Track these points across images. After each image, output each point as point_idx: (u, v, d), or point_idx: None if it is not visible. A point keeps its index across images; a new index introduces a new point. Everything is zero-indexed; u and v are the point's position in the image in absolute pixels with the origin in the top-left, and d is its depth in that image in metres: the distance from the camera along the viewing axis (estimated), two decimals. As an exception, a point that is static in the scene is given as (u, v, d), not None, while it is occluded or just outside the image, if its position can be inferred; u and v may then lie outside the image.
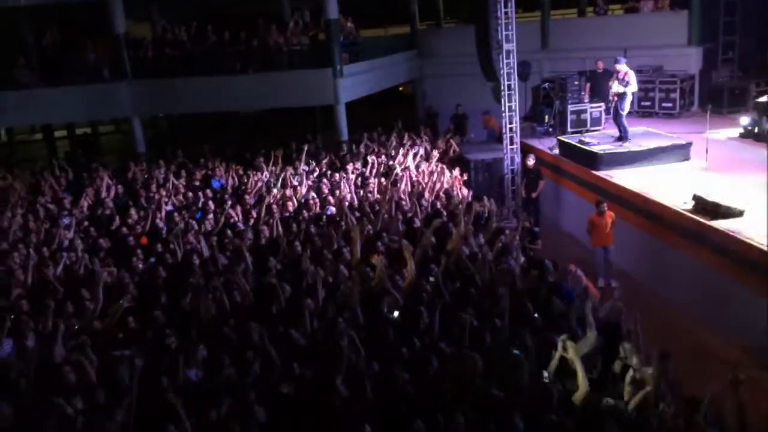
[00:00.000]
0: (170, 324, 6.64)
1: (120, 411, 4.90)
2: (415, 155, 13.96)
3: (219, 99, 16.58)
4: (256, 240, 9.58)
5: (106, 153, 22.00)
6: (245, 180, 12.96)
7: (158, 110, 19.88)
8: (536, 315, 6.59)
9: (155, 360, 5.80)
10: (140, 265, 8.82)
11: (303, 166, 13.71)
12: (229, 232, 9.89)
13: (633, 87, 12.89)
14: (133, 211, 11.05)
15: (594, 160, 12.58)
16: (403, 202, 10.87)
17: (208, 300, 7.07)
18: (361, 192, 11.76)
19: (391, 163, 13.57)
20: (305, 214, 10.80)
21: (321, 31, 16.70)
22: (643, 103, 16.93)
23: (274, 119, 21.25)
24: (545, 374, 5.41)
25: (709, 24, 17.36)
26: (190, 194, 12.35)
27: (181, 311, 7.08)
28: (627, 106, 13.03)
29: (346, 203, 10.86)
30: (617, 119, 13.16)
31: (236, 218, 10.75)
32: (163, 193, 12.13)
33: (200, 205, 11.54)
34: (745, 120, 13.89)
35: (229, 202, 11.52)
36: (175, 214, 10.98)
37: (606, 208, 10.67)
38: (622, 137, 13.11)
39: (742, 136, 13.89)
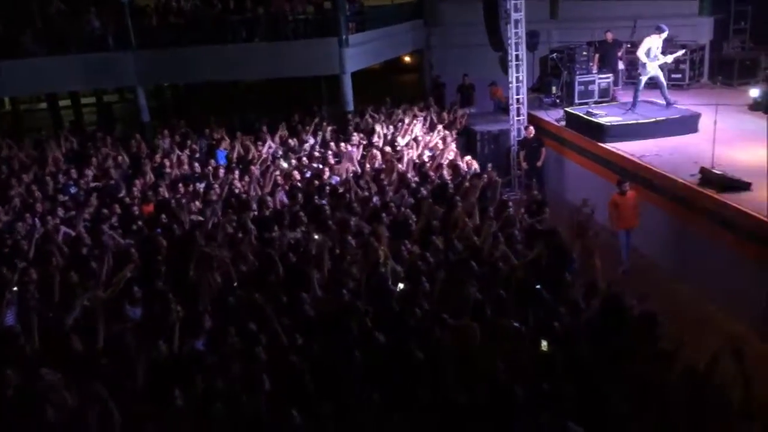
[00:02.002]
0: (176, 294, 6.69)
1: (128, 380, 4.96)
2: (423, 125, 13.89)
3: (224, 68, 16.45)
4: (261, 210, 9.60)
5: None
6: (251, 150, 12.94)
7: (163, 79, 19.74)
8: (539, 287, 6.59)
9: (159, 330, 5.86)
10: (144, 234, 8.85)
11: (309, 137, 13.67)
12: (234, 201, 9.93)
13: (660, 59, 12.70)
14: (137, 182, 11.07)
15: (601, 131, 12.48)
16: (409, 174, 10.85)
17: (214, 270, 7.11)
18: (366, 164, 11.73)
19: (396, 134, 13.50)
20: (315, 182, 10.78)
21: (326, 0, 16.51)
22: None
23: (279, 89, 21.12)
24: (543, 344, 5.44)
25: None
26: (196, 164, 12.35)
27: (186, 281, 7.13)
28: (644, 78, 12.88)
29: (351, 173, 10.84)
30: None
31: (241, 189, 10.77)
32: (167, 163, 12.14)
33: (206, 174, 11.55)
34: (755, 92, 13.69)
35: (236, 172, 11.53)
36: (180, 185, 10.99)
37: (628, 188, 10.15)
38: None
39: (752, 108, 13.72)
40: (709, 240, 9.37)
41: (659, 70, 12.95)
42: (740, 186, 9.35)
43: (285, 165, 12.01)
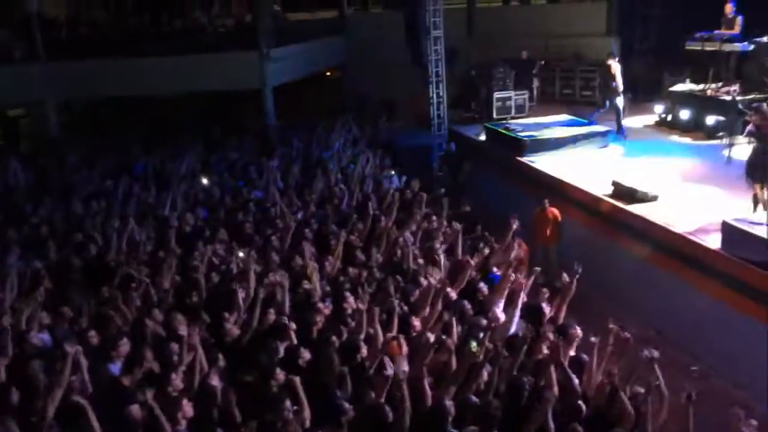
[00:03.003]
0: (92, 317, 6.39)
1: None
2: (345, 142, 13.91)
3: (138, 82, 15.96)
4: (181, 227, 9.32)
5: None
6: (169, 166, 12.59)
7: (73, 93, 18.96)
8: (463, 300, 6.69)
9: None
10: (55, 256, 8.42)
11: (231, 152, 13.44)
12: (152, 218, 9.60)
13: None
14: (47, 200, 10.56)
15: (519, 146, 12.86)
16: (335, 189, 10.84)
17: (132, 290, 6.84)
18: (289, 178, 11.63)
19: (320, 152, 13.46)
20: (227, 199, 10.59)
21: (247, 13, 16.36)
22: (564, 91, 17.46)
23: (199, 103, 20.67)
24: (473, 344, 5.51)
25: (627, 14, 17.97)
26: (109, 181, 11.87)
27: (102, 303, 6.82)
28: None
29: (274, 189, 10.72)
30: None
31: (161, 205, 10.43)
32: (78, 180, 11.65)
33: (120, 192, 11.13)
34: (659, 108, 14.49)
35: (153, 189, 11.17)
36: (94, 201, 10.54)
37: (547, 205, 10.28)
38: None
39: (657, 123, 14.49)
40: (621, 250, 9.79)
41: None
42: (648, 198, 9.82)
43: (205, 181, 11.74)
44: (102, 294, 6.95)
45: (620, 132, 13.54)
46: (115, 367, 5.53)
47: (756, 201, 8.77)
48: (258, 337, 6.06)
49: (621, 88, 13.44)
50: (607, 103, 13.61)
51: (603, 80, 13.73)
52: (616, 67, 13.49)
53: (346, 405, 4.75)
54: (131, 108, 18.20)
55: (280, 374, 5.16)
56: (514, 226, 8.33)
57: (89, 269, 7.81)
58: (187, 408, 4.78)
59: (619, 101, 13.48)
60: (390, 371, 5.04)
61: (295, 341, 5.83)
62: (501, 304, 6.80)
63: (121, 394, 4.99)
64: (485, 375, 5.32)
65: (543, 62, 16.99)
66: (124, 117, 17.81)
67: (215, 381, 5.16)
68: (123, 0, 16.68)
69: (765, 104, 9.43)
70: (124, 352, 5.61)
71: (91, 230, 8.98)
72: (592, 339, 5.76)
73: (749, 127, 8.78)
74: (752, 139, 8.72)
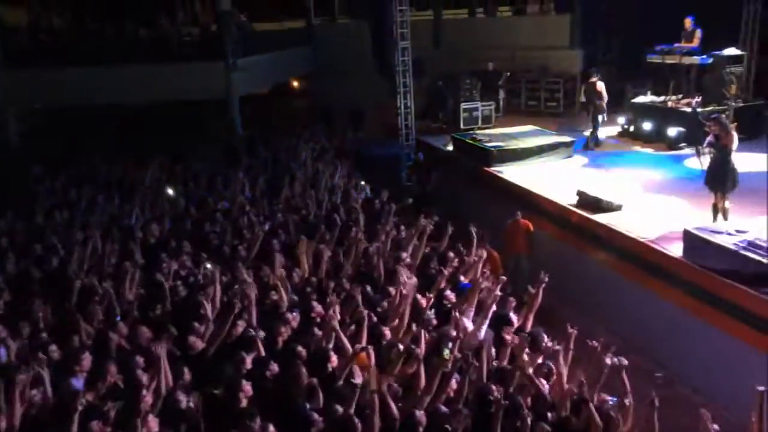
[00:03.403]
0: (53, 329, 6.24)
1: None
2: (313, 152, 13.88)
3: (101, 91, 15.70)
4: (146, 238, 9.17)
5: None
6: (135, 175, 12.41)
7: (34, 102, 18.58)
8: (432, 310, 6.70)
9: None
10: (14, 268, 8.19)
11: (196, 163, 13.30)
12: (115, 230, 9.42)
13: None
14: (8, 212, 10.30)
15: (486, 156, 12.97)
16: (299, 200, 10.78)
17: (95, 303, 6.70)
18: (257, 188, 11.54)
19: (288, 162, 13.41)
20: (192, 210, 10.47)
21: (213, 22, 16.25)
22: (530, 102, 17.71)
23: (166, 112, 20.43)
24: (446, 352, 5.52)
25: (590, 27, 18.34)
26: (73, 190, 11.65)
27: (64, 315, 6.66)
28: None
29: (242, 199, 10.62)
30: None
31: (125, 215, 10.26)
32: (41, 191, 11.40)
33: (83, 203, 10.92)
34: (621, 119, 14.77)
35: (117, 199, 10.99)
36: (56, 212, 10.32)
37: (519, 217, 10.26)
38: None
39: (620, 134, 14.77)
40: (587, 259, 9.92)
41: None
42: (612, 208, 9.97)
43: (171, 192, 11.58)
44: (64, 307, 6.79)
45: (592, 140, 13.81)
46: (78, 382, 5.40)
47: (716, 210, 9.00)
48: (225, 349, 5.98)
49: (605, 104, 13.75)
50: (599, 118, 13.83)
51: (589, 98, 13.97)
52: (600, 84, 13.77)
53: (316, 416, 4.71)
54: (96, 117, 17.93)
55: (247, 386, 5.10)
56: (474, 234, 8.39)
57: (50, 281, 7.62)
58: (153, 424, 4.68)
59: (601, 117, 13.80)
60: (359, 382, 5.02)
61: (263, 352, 5.77)
62: (470, 314, 6.83)
63: (84, 410, 4.86)
64: (454, 384, 5.34)
65: (509, 74, 17.21)
66: (88, 126, 17.50)
67: (182, 396, 5.07)
68: (86, 7, 16.37)
69: (723, 115, 9.70)
70: (86, 366, 5.49)
71: (53, 242, 8.77)
72: (557, 347, 5.83)
73: (709, 138, 9.00)
74: (712, 149, 8.94)
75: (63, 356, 5.71)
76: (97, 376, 5.36)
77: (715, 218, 8.94)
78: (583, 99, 14.15)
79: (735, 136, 8.82)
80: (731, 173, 8.83)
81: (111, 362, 5.48)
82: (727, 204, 8.90)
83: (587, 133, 13.95)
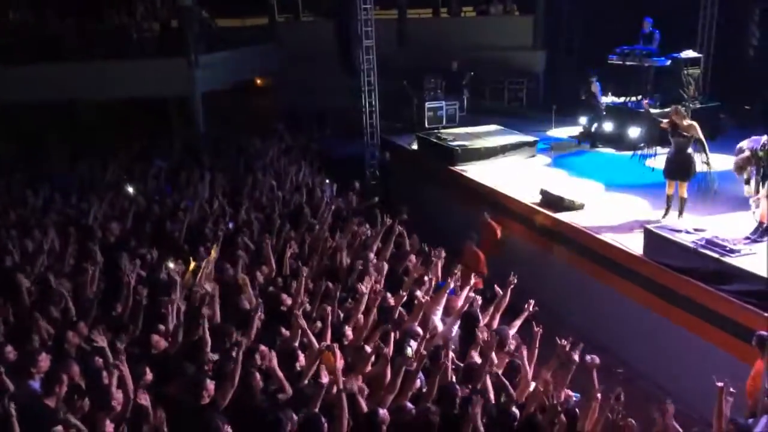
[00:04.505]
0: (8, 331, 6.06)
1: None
2: (277, 150, 13.76)
3: (61, 87, 15.29)
4: (105, 237, 8.97)
5: None
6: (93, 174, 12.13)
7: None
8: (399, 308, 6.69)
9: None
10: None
11: (158, 161, 13.05)
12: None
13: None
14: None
15: (451, 155, 13.01)
16: (263, 198, 10.68)
17: (52, 303, 6.52)
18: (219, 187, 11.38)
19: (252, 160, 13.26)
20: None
21: (173, 17, 15.97)
22: (493, 102, 17.85)
23: (125, 110, 20.02)
24: (408, 350, 5.52)
25: (552, 28, 18.58)
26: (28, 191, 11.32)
27: (21, 316, 6.47)
28: None
29: (204, 198, 10.48)
30: None
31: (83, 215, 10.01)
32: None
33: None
34: (583, 119, 14.96)
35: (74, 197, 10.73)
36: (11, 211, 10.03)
37: (487, 218, 10.34)
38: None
39: (582, 134, 14.95)
40: (550, 257, 10.04)
41: None
42: (575, 206, 10.11)
43: (131, 189, 11.35)
44: (19, 308, 6.60)
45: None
46: (36, 384, 5.25)
47: (669, 202, 9.25)
48: (188, 349, 5.88)
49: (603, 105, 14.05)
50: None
51: (587, 99, 14.16)
52: (596, 86, 14.05)
53: (285, 419, 4.63)
54: (54, 114, 17.47)
55: (210, 385, 5.02)
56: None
57: (5, 282, 7.39)
58: (109, 428, 4.57)
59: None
60: (325, 380, 4.99)
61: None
62: (438, 313, 6.84)
63: (44, 414, 4.74)
64: (418, 382, 5.34)
65: (472, 73, 17.31)
66: (46, 124, 17.04)
67: (143, 399, 4.97)
68: (45, 3, 15.94)
69: (680, 105, 9.92)
70: (44, 368, 5.33)
71: (8, 241, 8.51)
72: (522, 347, 5.88)
73: (665, 126, 9.18)
74: (672, 138, 9.12)
75: (19, 358, 5.53)
76: (55, 379, 5.19)
77: (668, 210, 9.20)
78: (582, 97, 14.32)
79: (695, 124, 9.03)
80: (691, 161, 9.04)
81: (72, 363, 5.34)
82: (685, 192, 9.07)
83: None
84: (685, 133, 8.95)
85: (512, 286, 6.95)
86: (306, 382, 5.34)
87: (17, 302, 6.71)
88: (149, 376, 5.35)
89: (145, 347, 5.91)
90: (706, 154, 9.15)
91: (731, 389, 4.98)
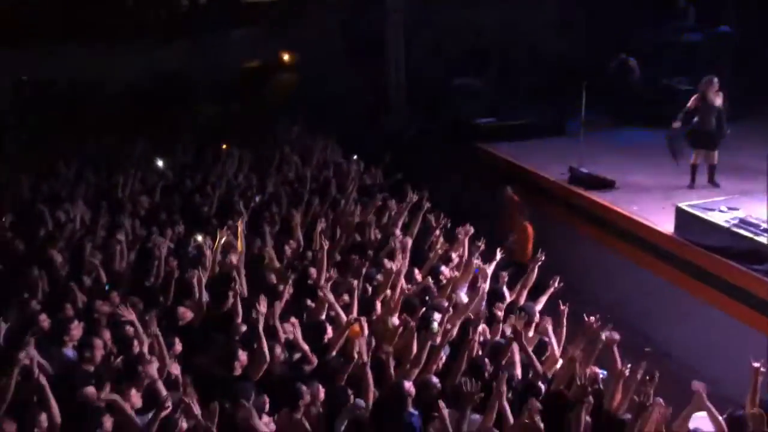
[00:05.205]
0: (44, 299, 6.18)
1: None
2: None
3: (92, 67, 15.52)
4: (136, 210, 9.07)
5: None
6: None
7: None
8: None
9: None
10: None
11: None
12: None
13: None
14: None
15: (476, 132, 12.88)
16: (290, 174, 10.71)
17: (84, 273, 6.64)
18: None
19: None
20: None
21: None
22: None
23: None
24: (434, 325, 5.53)
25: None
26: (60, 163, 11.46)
27: (55, 285, 6.59)
28: None
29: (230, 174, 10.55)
30: None
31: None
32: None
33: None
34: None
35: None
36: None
37: (509, 193, 9.81)
38: None
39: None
40: (579, 236, 9.91)
41: None
42: (606, 184, 9.96)
43: (161, 163, 11.45)
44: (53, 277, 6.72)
45: None
46: (69, 352, 5.36)
47: (693, 171, 9.47)
48: (216, 320, 5.94)
49: None
50: None
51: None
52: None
53: (304, 388, 4.67)
54: (84, 92, 17.65)
55: (243, 356, 5.06)
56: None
57: (39, 252, 7.52)
58: (135, 399, 4.64)
59: None
60: (354, 354, 5.01)
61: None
62: (464, 288, 6.82)
63: (77, 376, 4.84)
64: (443, 357, 5.34)
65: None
66: (75, 101, 17.21)
67: (175, 369, 5.05)
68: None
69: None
70: (76, 336, 5.44)
71: (42, 212, 8.63)
72: (548, 324, 5.85)
73: (692, 105, 9.39)
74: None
75: (53, 326, 5.64)
76: (87, 346, 5.28)
77: (693, 179, 9.47)
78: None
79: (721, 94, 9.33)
80: (716, 130, 9.30)
81: (105, 330, 5.43)
82: (716, 158, 9.34)
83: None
84: (712, 104, 9.10)
85: (539, 263, 6.89)
86: (333, 354, 5.37)
87: (51, 272, 6.82)
88: (179, 346, 5.44)
89: (172, 319, 5.98)
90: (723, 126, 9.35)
91: (763, 369, 4.90)
